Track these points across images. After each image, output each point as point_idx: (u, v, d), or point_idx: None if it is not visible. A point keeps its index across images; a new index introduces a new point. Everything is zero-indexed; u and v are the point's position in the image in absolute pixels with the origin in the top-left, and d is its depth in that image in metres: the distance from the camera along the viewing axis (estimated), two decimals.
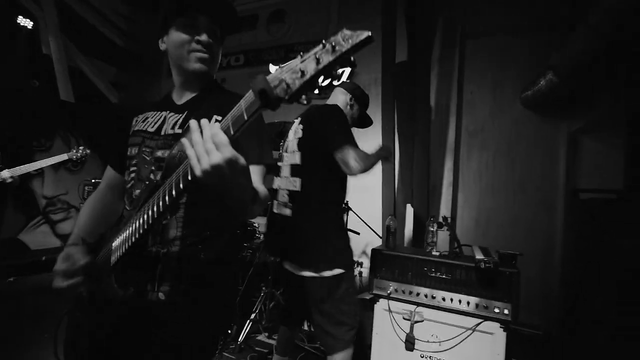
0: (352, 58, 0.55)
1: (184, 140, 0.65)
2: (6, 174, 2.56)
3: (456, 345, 1.85)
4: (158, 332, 0.91)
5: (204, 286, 0.96)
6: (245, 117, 0.61)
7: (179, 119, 1.01)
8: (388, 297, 2.02)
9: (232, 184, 0.65)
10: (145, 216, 0.78)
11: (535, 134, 3.18)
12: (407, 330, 1.95)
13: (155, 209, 0.75)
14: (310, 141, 1.79)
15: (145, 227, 0.78)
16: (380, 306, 2.05)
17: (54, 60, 4.36)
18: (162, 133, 1.01)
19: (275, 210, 1.89)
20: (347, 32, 0.55)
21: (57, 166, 4.04)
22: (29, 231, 3.87)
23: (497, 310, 1.80)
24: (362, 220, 3.10)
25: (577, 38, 2.24)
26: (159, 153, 0.97)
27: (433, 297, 1.94)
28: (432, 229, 2.11)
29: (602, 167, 2.89)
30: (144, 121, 1.07)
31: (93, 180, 3.62)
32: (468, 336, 1.83)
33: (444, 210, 3.37)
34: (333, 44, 0.54)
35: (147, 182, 0.93)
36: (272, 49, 4.37)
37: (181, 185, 0.69)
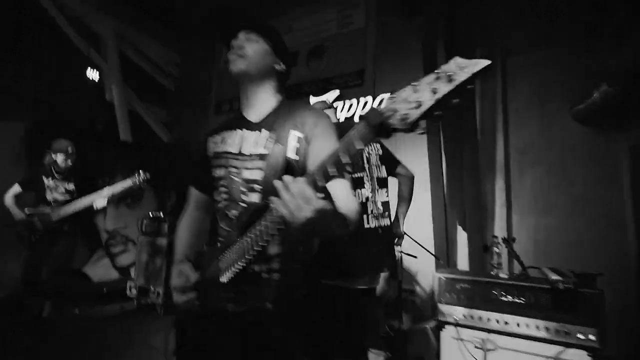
0: (469, 86, 0.56)
1: (275, 199, 0.73)
2: (106, 191, 3.07)
3: None
4: (267, 341, 0.96)
5: (304, 297, 1.02)
6: (361, 146, 0.66)
7: (258, 137, 1.06)
8: (456, 324, 1.93)
9: (322, 227, 0.74)
10: (255, 238, 0.85)
11: (591, 148, 3.04)
12: None
13: (264, 234, 0.83)
14: (390, 159, 2.11)
15: (257, 248, 0.85)
16: (448, 334, 1.96)
17: (115, 106, 4.82)
18: (245, 152, 1.06)
19: (370, 225, 1.86)
20: (460, 60, 0.56)
21: (117, 202, 4.35)
22: (92, 264, 4.13)
23: (580, 336, 1.67)
24: (421, 246, 2.97)
25: (631, 46, 2.19)
26: (247, 174, 1.03)
27: (506, 323, 1.83)
28: (497, 250, 2.04)
29: None
30: (222, 142, 1.13)
31: (151, 215, 3.86)
32: None
33: (498, 231, 3.23)
34: (448, 73, 0.55)
35: (242, 204, 1.00)
36: (311, 82, 4.57)
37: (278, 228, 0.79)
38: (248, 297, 0.96)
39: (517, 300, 1.84)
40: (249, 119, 1.13)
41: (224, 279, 0.94)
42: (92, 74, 4.62)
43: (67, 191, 3.16)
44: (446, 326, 1.97)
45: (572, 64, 3.11)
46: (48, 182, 3.11)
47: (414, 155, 3.17)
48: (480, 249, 3.05)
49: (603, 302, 1.65)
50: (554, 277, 1.75)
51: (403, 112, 0.59)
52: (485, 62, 0.55)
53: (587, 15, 3.04)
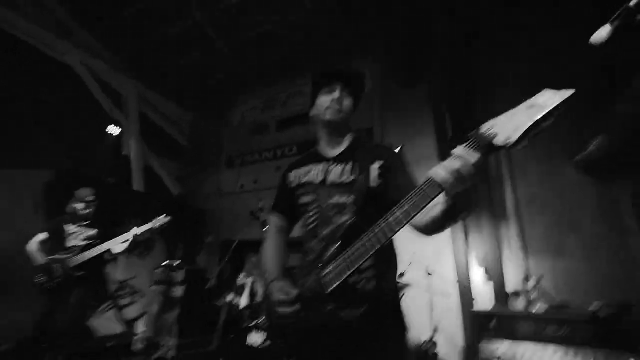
0: (558, 112, 0.69)
1: (440, 168, 0.79)
2: (124, 237, 3.07)
3: None
4: (367, 350, 1.02)
5: (395, 307, 1.11)
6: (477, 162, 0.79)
7: (343, 168, 1.22)
8: None
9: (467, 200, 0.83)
10: (362, 250, 0.94)
11: (595, 195, 3.21)
12: None
13: (371, 245, 0.92)
14: None
15: (365, 258, 0.94)
16: None
17: (132, 159, 4.99)
18: (330, 182, 1.22)
19: None
20: (549, 91, 0.71)
21: (127, 252, 4.26)
22: (97, 316, 3.89)
23: None
24: (461, 284, 2.95)
25: (624, 103, 2.51)
26: (335, 199, 1.17)
27: (551, 358, 1.84)
28: (529, 287, 2.10)
29: None
30: (306, 174, 1.29)
31: (164, 263, 3.80)
32: None
33: (519, 276, 3.27)
34: (541, 102, 0.70)
35: (332, 224, 1.12)
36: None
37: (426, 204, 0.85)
38: (347, 308, 1.01)
39: (558, 334, 1.86)
40: (328, 154, 1.30)
41: (327, 290, 0.99)
42: (113, 130, 4.84)
43: (88, 237, 3.16)
44: None
45: (569, 118, 3.40)
46: (71, 229, 3.11)
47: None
48: (502, 291, 3.08)
49: None
50: (592, 307, 1.81)
51: (505, 134, 0.72)
52: (570, 92, 0.69)
53: (578, 76, 3.25)
